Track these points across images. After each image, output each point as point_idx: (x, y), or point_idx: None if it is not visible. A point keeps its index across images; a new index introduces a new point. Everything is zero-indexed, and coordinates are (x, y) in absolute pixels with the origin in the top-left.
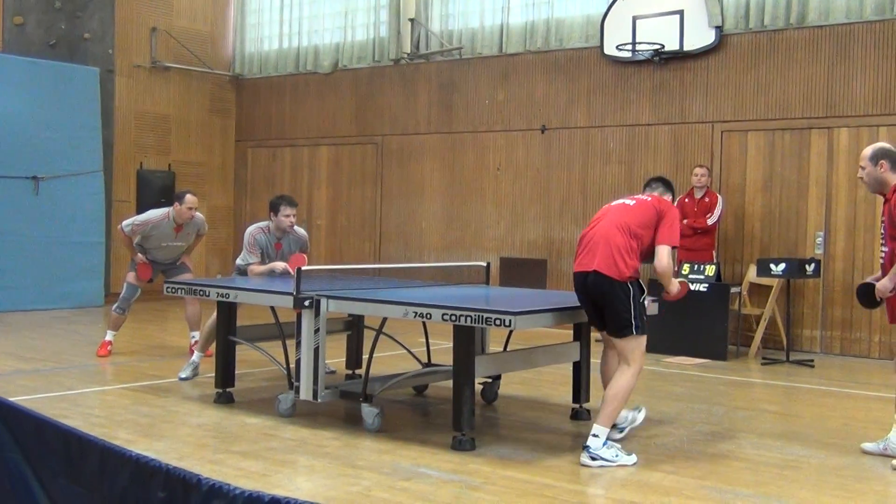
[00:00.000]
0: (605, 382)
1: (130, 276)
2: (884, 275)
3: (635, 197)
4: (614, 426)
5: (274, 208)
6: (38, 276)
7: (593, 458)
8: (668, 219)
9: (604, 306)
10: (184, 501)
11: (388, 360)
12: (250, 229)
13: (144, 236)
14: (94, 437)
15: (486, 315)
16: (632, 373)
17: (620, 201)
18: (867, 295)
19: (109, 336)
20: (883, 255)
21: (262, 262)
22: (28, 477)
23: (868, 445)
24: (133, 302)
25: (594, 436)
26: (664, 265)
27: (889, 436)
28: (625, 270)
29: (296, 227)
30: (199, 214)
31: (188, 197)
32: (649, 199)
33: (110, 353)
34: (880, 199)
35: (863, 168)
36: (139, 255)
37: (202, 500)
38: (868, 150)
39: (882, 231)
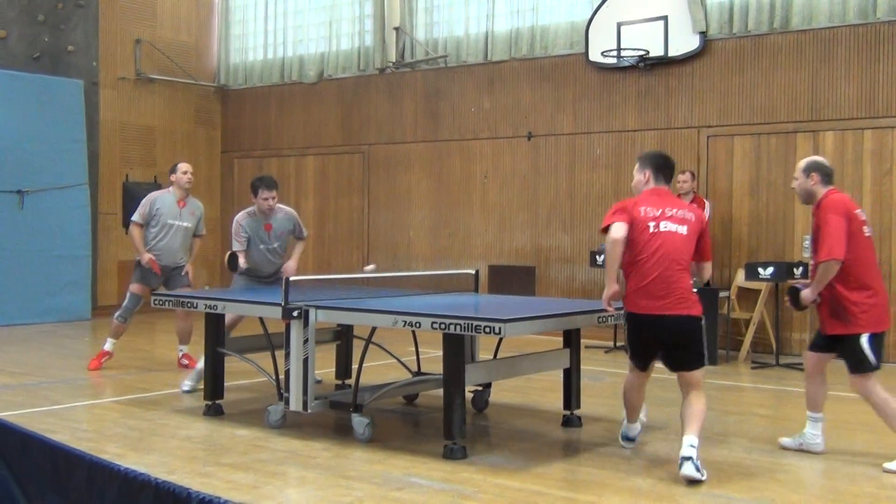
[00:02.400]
0: (683, 418)
1: (134, 287)
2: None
3: (682, 216)
4: (630, 440)
5: (253, 191)
6: (23, 289)
7: (698, 469)
8: (707, 233)
9: (683, 346)
10: None
11: (377, 370)
12: (237, 215)
13: (154, 218)
14: (81, 452)
15: (475, 323)
16: (703, 395)
17: (672, 228)
18: (794, 298)
19: (109, 345)
20: (811, 263)
21: (251, 247)
22: (15, 493)
23: (785, 441)
24: (135, 312)
25: (693, 447)
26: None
27: (804, 431)
28: (699, 306)
29: (281, 207)
30: (198, 202)
31: (181, 165)
32: (692, 216)
33: (102, 367)
34: (867, 202)
35: (796, 179)
36: (145, 253)
37: None
38: (802, 163)
39: (810, 247)
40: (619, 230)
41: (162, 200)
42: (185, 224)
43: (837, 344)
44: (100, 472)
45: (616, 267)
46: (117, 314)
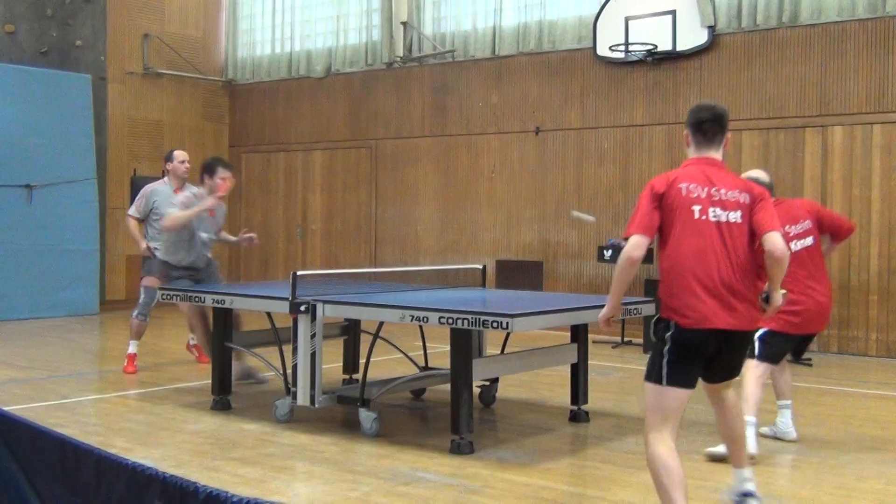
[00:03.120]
0: (729, 437)
1: (146, 280)
2: None
3: (735, 198)
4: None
5: (210, 171)
6: (31, 284)
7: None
8: (770, 205)
9: (733, 356)
10: None
11: (385, 365)
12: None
13: (153, 212)
14: (89, 446)
15: (483, 318)
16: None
17: (724, 216)
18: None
19: (133, 348)
20: None
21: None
22: (24, 487)
23: (763, 429)
24: (153, 307)
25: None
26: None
27: (776, 420)
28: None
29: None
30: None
31: (177, 153)
32: (747, 197)
33: (137, 369)
34: (875, 197)
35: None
36: (142, 241)
37: None
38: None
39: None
40: (638, 248)
41: (158, 192)
42: None
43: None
44: (107, 466)
45: (624, 288)
46: (136, 312)
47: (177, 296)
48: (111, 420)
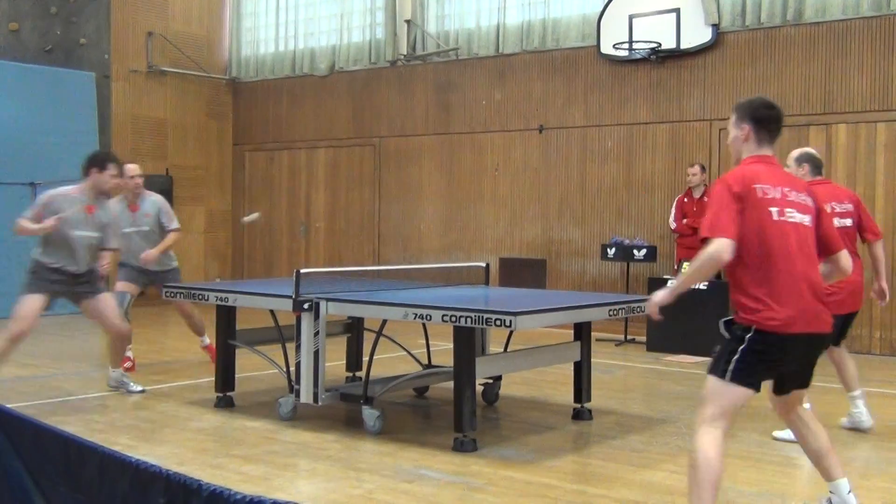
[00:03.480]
0: (815, 452)
1: (119, 285)
2: None
3: (804, 202)
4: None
5: (102, 165)
6: None
7: None
8: (827, 216)
9: (812, 362)
10: None
11: (388, 362)
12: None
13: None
14: (93, 444)
15: (486, 315)
16: None
17: (798, 219)
18: None
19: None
20: None
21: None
22: (28, 484)
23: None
24: (128, 308)
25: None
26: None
27: (850, 410)
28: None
29: (150, 193)
30: (149, 192)
31: (127, 166)
32: (811, 201)
33: (135, 366)
34: (880, 195)
35: (788, 167)
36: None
37: None
38: (795, 153)
39: None
40: (728, 252)
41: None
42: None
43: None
44: (111, 463)
45: (691, 286)
46: None
47: (181, 293)
48: (115, 417)
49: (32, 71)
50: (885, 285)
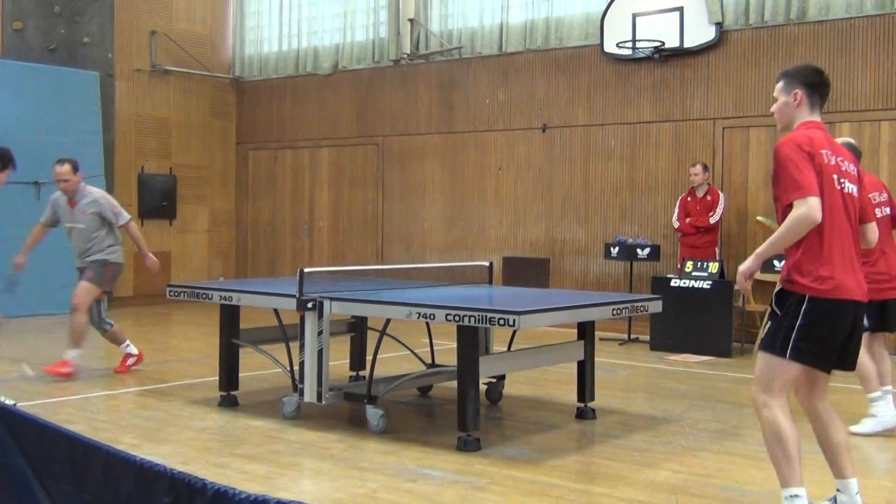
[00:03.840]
0: (832, 448)
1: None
2: None
3: (854, 172)
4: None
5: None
6: (40, 280)
7: None
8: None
9: (859, 339)
10: None
11: (391, 362)
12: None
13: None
14: (97, 443)
15: (489, 315)
16: None
17: (850, 189)
18: None
19: (131, 348)
20: None
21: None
22: (32, 483)
23: (855, 428)
24: (100, 308)
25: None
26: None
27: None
28: None
29: (92, 189)
30: (94, 190)
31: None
32: (855, 169)
33: (129, 370)
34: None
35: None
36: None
37: None
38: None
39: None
40: (817, 208)
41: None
42: (78, 225)
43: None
44: (116, 462)
45: (779, 251)
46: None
47: (184, 293)
48: (119, 416)
49: (36, 70)
50: None
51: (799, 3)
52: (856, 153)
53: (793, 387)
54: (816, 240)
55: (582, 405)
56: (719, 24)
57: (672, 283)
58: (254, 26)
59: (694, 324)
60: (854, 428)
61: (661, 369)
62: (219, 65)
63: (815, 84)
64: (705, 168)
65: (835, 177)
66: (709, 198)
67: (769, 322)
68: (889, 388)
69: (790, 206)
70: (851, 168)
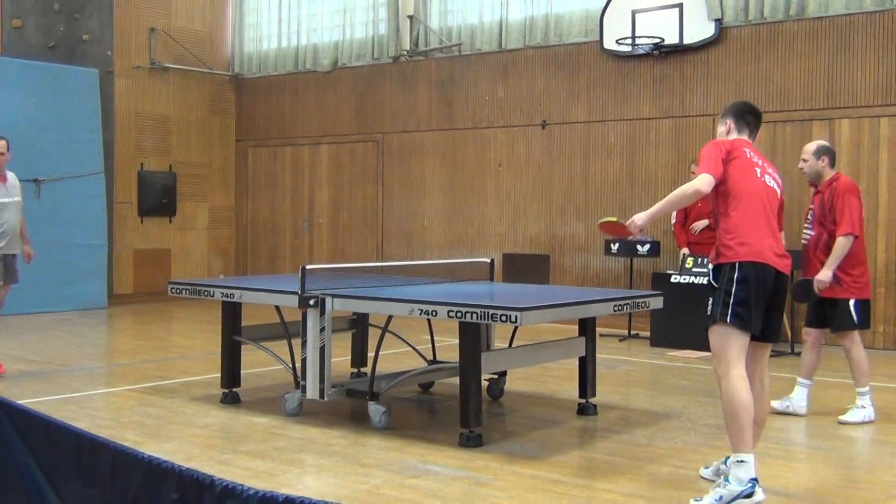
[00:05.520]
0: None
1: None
2: (805, 257)
3: (777, 177)
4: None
5: None
6: (40, 278)
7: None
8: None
9: (780, 311)
10: (197, 502)
11: (392, 358)
12: None
13: None
14: (105, 440)
15: (491, 311)
16: None
17: (773, 185)
18: (806, 290)
19: None
20: (806, 239)
21: None
22: (39, 479)
23: (774, 403)
24: None
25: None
26: None
27: (791, 395)
28: None
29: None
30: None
31: None
32: (780, 181)
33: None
34: (883, 190)
35: (805, 161)
36: None
37: (215, 501)
38: (812, 146)
39: (809, 218)
40: (708, 182)
41: None
42: (10, 199)
43: (829, 310)
44: (124, 459)
45: (668, 210)
46: None
47: (186, 290)
48: (121, 413)
49: (35, 67)
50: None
51: (798, 0)
52: (830, 154)
53: (743, 355)
54: (736, 215)
55: (583, 401)
56: (719, 21)
57: (672, 280)
58: (253, 23)
59: (694, 320)
60: (843, 417)
61: (662, 365)
62: (218, 62)
63: (740, 114)
64: None
65: (756, 170)
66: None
67: (709, 298)
68: (809, 382)
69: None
70: (776, 175)
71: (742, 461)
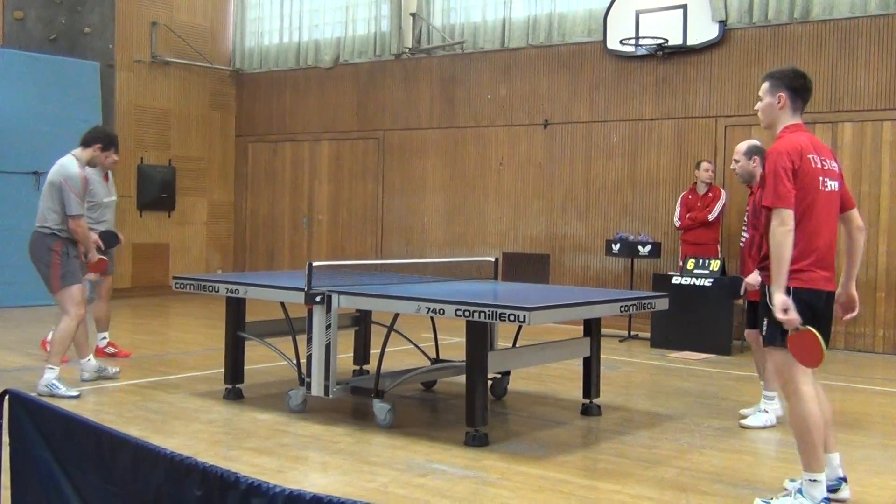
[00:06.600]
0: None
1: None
2: (743, 260)
3: (836, 170)
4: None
5: (109, 144)
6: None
7: None
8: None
9: (830, 323)
10: (220, 500)
11: (394, 356)
12: (75, 168)
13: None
14: (126, 435)
15: (500, 311)
16: None
17: (833, 186)
18: (732, 287)
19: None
20: (743, 242)
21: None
22: (57, 475)
23: (746, 411)
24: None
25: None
26: None
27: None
28: None
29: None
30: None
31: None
32: (838, 168)
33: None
34: (885, 194)
35: (736, 161)
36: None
37: (240, 499)
38: (743, 146)
39: (745, 220)
40: (791, 218)
41: (91, 180)
42: (113, 198)
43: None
44: (145, 455)
45: (787, 268)
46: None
47: (190, 285)
48: (124, 408)
49: (37, 60)
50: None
51: (803, 3)
52: (761, 154)
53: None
54: (804, 239)
55: (587, 402)
56: (723, 22)
57: (673, 281)
58: (255, 18)
59: (695, 321)
60: (744, 421)
61: (663, 366)
62: (219, 57)
63: (798, 89)
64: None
65: (820, 178)
66: (710, 195)
67: (764, 317)
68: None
69: (768, 210)
70: (833, 166)
71: (815, 480)
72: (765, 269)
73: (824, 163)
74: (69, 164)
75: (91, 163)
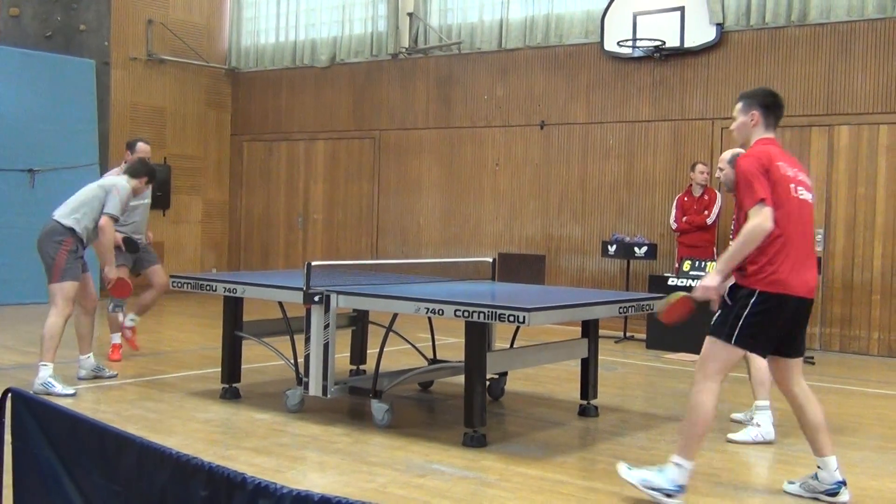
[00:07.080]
0: (811, 427)
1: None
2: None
3: (808, 182)
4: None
5: (152, 176)
6: (34, 269)
7: None
8: None
9: (804, 327)
10: (227, 500)
11: (391, 356)
12: (123, 181)
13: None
14: (131, 435)
15: (499, 311)
16: None
17: (806, 197)
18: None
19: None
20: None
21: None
22: (61, 474)
23: (734, 435)
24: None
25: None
26: None
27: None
28: None
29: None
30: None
31: (141, 145)
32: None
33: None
34: (881, 197)
35: (721, 169)
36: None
37: (247, 500)
38: (727, 154)
39: (732, 227)
40: (770, 217)
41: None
42: (146, 201)
43: None
44: (150, 455)
45: (741, 260)
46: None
47: (188, 284)
48: (121, 407)
49: (32, 57)
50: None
51: (800, 6)
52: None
53: (727, 371)
54: (769, 242)
55: (584, 402)
56: (720, 25)
57: (669, 282)
58: (251, 17)
59: (691, 323)
60: (732, 436)
61: (659, 367)
62: (215, 55)
63: (770, 106)
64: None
65: (791, 185)
66: (706, 197)
67: (719, 310)
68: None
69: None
70: (805, 178)
71: (680, 465)
72: (739, 269)
73: (797, 174)
74: (123, 180)
75: (134, 191)
